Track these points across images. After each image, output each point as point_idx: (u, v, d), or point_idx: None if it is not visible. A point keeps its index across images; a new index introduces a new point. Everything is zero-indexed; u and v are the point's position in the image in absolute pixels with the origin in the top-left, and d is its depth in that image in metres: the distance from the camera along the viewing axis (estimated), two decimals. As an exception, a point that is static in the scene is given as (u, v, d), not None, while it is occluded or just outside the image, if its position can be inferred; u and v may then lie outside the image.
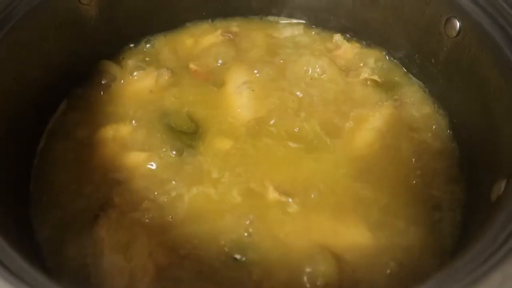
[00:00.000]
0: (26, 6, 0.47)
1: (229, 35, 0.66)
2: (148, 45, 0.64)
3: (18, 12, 0.46)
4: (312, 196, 0.48)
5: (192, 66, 0.61)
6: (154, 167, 0.50)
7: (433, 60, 0.56)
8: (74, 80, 0.58)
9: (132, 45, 0.63)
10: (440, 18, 0.52)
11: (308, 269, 0.42)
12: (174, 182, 0.49)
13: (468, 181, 0.48)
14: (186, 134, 0.53)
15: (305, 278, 0.42)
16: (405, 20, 0.57)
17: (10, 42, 0.45)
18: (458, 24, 0.50)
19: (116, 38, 0.61)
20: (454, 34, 0.51)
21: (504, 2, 0.45)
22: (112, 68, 0.60)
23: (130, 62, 0.61)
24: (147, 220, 0.46)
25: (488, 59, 0.45)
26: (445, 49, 0.53)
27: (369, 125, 0.52)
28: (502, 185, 0.36)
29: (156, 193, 0.48)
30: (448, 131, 0.54)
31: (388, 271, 0.42)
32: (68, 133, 0.54)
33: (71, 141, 0.53)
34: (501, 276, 0.25)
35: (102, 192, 0.48)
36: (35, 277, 0.28)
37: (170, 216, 0.46)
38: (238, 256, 0.43)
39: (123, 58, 0.62)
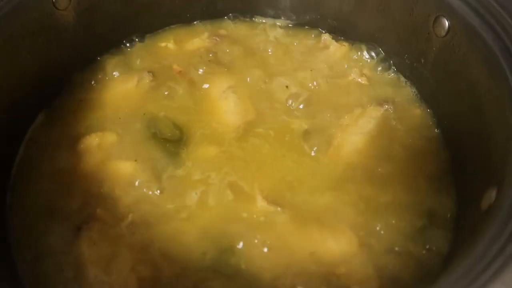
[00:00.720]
0: (-3, 13, 0.45)
1: (216, 38, 0.64)
2: (129, 50, 0.63)
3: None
4: (301, 204, 0.46)
5: (176, 67, 0.60)
6: (138, 177, 0.48)
7: (422, 61, 0.55)
8: (53, 88, 0.56)
9: (112, 50, 0.62)
10: (429, 17, 0.51)
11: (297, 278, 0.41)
12: (159, 193, 0.47)
13: (459, 188, 0.47)
14: (171, 142, 0.52)
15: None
16: (393, 20, 0.56)
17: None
18: (447, 23, 0.49)
19: (96, 44, 0.60)
20: (443, 33, 0.49)
21: (493, 1, 0.43)
22: (92, 74, 0.59)
23: (111, 67, 0.60)
24: (130, 234, 0.44)
25: (478, 60, 0.44)
26: (434, 49, 0.52)
27: (358, 129, 0.51)
28: (492, 194, 0.34)
29: (140, 205, 0.46)
30: (439, 134, 0.52)
31: (374, 282, 0.41)
32: (48, 143, 0.53)
33: (51, 151, 0.52)
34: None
35: (85, 204, 0.47)
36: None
37: (154, 230, 0.45)
38: (224, 270, 0.42)
39: (103, 63, 0.60)
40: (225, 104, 0.55)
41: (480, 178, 0.40)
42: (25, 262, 0.44)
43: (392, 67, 0.60)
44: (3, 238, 0.45)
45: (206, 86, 0.57)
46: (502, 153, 0.36)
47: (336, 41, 0.62)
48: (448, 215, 0.46)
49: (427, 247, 0.44)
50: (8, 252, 0.44)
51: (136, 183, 0.48)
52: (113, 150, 0.51)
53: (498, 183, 0.34)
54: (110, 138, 0.52)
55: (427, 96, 0.56)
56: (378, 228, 0.45)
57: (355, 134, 0.51)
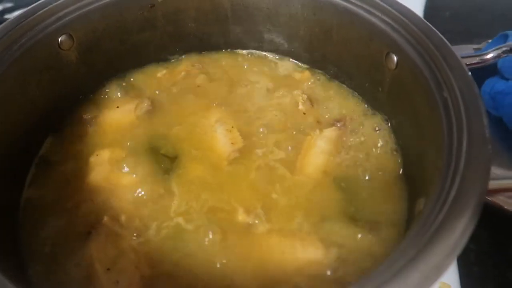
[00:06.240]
0: (10, 58, 0.53)
1: (202, 69, 0.72)
2: (126, 80, 0.70)
3: (3, 63, 0.52)
4: (277, 219, 0.53)
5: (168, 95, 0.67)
6: (140, 188, 0.55)
7: (380, 89, 0.62)
8: (58, 115, 0.63)
9: (110, 81, 0.69)
10: (382, 53, 0.58)
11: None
12: (159, 204, 0.54)
13: (409, 196, 0.54)
14: (169, 158, 0.59)
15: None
16: (354, 54, 0.64)
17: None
18: (395, 58, 0.56)
19: (95, 77, 0.67)
20: (393, 67, 0.57)
21: (430, 43, 0.51)
22: (94, 102, 0.67)
23: (109, 96, 0.68)
24: (133, 237, 0.51)
25: (419, 91, 0.51)
26: (388, 80, 0.59)
27: (317, 149, 0.58)
28: (422, 203, 0.42)
29: (141, 212, 0.53)
30: (394, 151, 0.60)
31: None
32: (57, 161, 0.59)
33: (61, 167, 0.59)
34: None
35: (93, 211, 0.53)
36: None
37: (154, 236, 0.51)
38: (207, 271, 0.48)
39: (102, 93, 0.68)
40: (213, 134, 0.62)
41: (419, 190, 0.48)
42: (38, 263, 0.50)
43: (356, 92, 0.67)
44: (15, 239, 0.51)
45: (195, 113, 0.65)
46: (432, 168, 0.44)
47: (304, 71, 0.71)
48: (402, 222, 0.52)
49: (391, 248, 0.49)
50: (20, 253, 0.50)
51: (138, 193, 0.55)
52: (118, 164, 0.57)
53: (426, 194, 0.42)
54: (112, 155, 0.58)
55: (386, 119, 0.63)
56: (345, 239, 0.50)
57: (316, 154, 0.58)
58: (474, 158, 0.39)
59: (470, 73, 0.46)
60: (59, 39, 0.59)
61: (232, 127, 0.62)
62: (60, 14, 0.58)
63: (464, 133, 0.41)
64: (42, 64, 0.58)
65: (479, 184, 0.36)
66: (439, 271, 0.32)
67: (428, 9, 1.00)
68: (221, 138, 0.61)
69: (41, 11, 0.57)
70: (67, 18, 0.59)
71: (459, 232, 0.34)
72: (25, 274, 0.49)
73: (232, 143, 0.60)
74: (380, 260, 0.47)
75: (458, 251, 0.33)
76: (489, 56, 0.54)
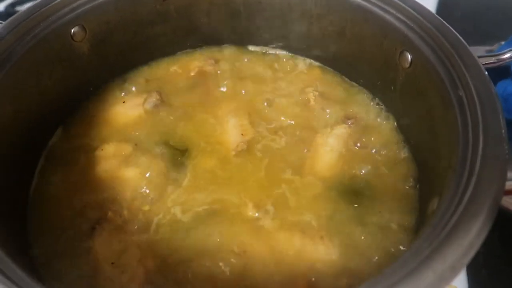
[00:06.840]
0: (23, 48, 0.53)
1: (211, 62, 0.72)
2: (136, 74, 0.70)
3: (16, 53, 0.52)
4: (286, 215, 0.52)
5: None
6: (146, 183, 0.55)
7: (392, 87, 0.62)
8: (69, 107, 0.64)
9: (122, 73, 0.69)
10: (395, 51, 0.58)
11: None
12: (164, 199, 0.54)
13: (421, 196, 0.53)
14: (179, 151, 0.59)
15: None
16: (367, 52, 0.63)
17: (9, 80, 0.51)
18: (409, 57, 0.55)
19: (107, 69, 0.67)
20: (407, 65, 0.56)
21: (445, 41, 0.51)
22: (105, 95, 0.67)
23: (121, 89, 0.68)
24: (138, 232, 0.51)
25: (433, 89, 0.51)
26: (401, 78, 0.59)
27: (328, 146, 0.58)
28: (435, 202, 0.42)
29: (147, 208, 0.53)
30: (406, 150, 0.59)
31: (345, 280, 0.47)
32: (66, 153, 0.60)
33: (69, 159, 0.59)
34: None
35: (98, 206, 0.53)
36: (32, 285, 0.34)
37: (158, 229, 0.51)
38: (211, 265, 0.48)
39: (114, 85, 0.68)
40: (224, 125, 0.62)
41: (431, 189, 0.47)
42: (44, 256, 0.50)
43: (367, 91, 0.67)
44: (23, 233, 0.52)
45: (207, 108, 0.65)
46: (446, 168, 0.43)
47: (316, 68, 0.70)
48: (412, 219, 0.52)
49: (401, 247, 0.49)
50: (28, 247, 0.51)
51: (144, 189, 0.54)
52: (126, 158, 0.57)
53: (440, 193, 0.42)
54: (123, 147, 0.58)
55: (397, 118, 0.62)
56: (352, 235, 0.50)
57: (326, 152, 0.57)
58: (491, 157, 0.38)
59: (486, 72, 0.46)
60: (72, 31, 0.59)
61: (247, 119, 0.62)
62: (73, 5, 0.58)
63: (480, 132, 0.41)
64: (54, 55, 0.58)
65: (496, 184, 0.36)
66: (454, 271, 0.31)
67: (439, 9, 0.99)
68: (232, 129, 0.61)
69: (54, 2, 0.57)
70: (80, 10, 0.59)
71: (475, 232, 0.33)
72: (33, 267, 0.49)
73: (242, 134, 0.60)
74: (392, 259, 0.48)
75: (474, 251, 0.32)
76: (506, 56, 0.53)
